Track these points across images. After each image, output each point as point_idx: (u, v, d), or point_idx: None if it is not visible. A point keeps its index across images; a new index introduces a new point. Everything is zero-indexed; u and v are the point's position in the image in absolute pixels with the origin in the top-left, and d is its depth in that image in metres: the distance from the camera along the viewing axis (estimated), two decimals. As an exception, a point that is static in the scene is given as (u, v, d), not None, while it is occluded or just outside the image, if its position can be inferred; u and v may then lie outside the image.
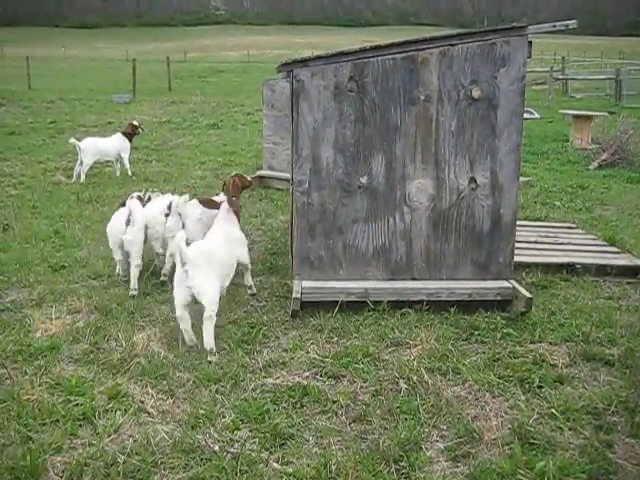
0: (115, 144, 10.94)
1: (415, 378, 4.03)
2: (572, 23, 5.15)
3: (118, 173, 11.09)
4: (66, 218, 8.14)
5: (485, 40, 4.99)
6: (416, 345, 4.54)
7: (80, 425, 3.67)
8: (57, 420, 3.69)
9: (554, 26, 5.16)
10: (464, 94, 5.03)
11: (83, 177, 10.52)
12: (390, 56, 4.95)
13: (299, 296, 4.99)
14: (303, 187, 5.10)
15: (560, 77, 29.91)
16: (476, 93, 5.02)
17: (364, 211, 5.16)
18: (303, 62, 4.96)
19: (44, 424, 3.66)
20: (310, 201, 5.13)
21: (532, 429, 3.57)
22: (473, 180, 5.15)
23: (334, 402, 3.86)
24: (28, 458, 3.30)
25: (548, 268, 6.17)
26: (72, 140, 10.71)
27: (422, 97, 5.02)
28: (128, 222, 5.75)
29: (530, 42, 5.05)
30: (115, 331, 4.76)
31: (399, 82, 4.99)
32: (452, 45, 4.97)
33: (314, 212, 5.15)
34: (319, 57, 4.99)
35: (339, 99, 4.99)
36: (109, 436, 3.55)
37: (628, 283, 6.02)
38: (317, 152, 5.06)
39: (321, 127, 5.02)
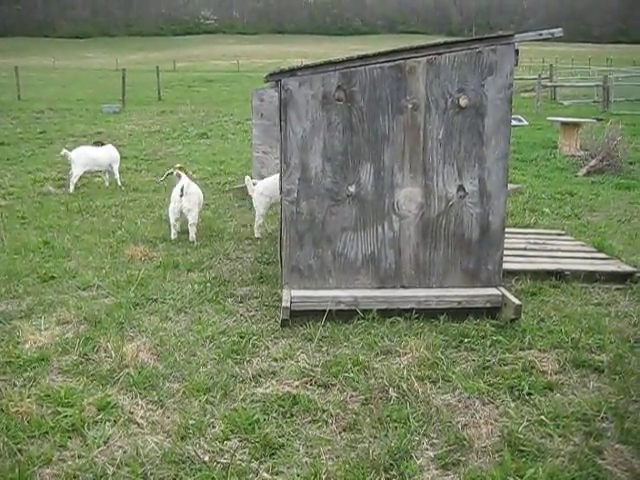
0: (107, 154, 10.91)
1: (405, 386, 4.03)
2: (558, 31, 5.18)
3: (107, 184, 11.06)
4: (55, 228, 8.10)
5: (472, 48, 5.01)
6: (406, 353, 4.53)
7: (69, 437, 3.64)
8: (46, 432, 3.66)
9: (540, 34, 5.19)
10: (452, 102, 5.05)
11: (72, 188, 10.47)
12: (378, 65, 4.97)
13: (288, 305, 4.98)
14: (292, 196, 5.11)
15: (548, 84, 30.05)
16: (463, 101, 5.04)
17: (353, 220, 5.16)
18: (291, 71, 4.97)
19: (33, 436, 3.62)
20: (299, 210, 5.13)
21: (522, 436, 3.58)
22: (461, 188, 5.17)
23: (324, 411, 3.85)
24: (17, 471, 3.27)
25: (537, 275, 6.19)
26: (64, 152, 10.66)
27: (410, 106, 5.04)
28: (182, 193, 7.53)
29: (517, 50, 5.08)
30: (104, 342, 4.73)
31: (387, 91, 5.01)
32: (439, 54, 4.99)
33: (303, 221, 5.15)
34: (307, 66, 5.00)
35: (327, 108, 5.00)
36: (98, 447, 3.52)
37: (617, 289, 6.04)
38: (306, 161, 5.06)
39: (309, 136, 5.03)
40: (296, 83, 4.95)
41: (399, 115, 5.04)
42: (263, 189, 7.74)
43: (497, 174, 5.17)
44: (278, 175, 7.72)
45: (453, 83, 5.03)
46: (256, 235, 7.78)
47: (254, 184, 8.00)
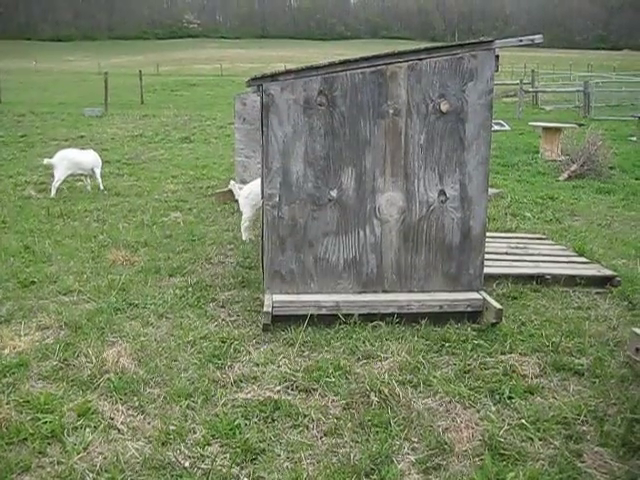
0: (89, 158, 10.84)
1: (386, 391, 4.03)
2: (538, 38, 5.22)
3: (89, 188, 10.99)
4: (36, 233, 8.04)
5: (453, 54, 5.04)
6: (387, 358, 4.54)
7: (49, 443, 3.61)
8: (25, 438, 3.63)
9: (520, 40, 5.23)
10: (433, 108, 5.08)
11: (54, 192, 10.37)
12: (359, 70, 4.98)
13: (270, 310, 4.97)
14: (273, 201, 5.10)
15: (530, 89, 30.26)
16: (444, 107, 5.07)
17: (334, 224, 5.17)
18: (273, 76, 4.97)
19: (11, 443, 3.59)
20: (280, 215, 5.13)
21: (503, 440, 3.59)
22: (442, 193, 5.19)
23: (305, 416, 3.85)
24: (-6, 478, 3.26)
25: (518, 279, 6.23)
26: (46, 161, 10.55)
27: (391, 111, 5.05)
28: None
29: (497, 56, 5.12)
30: (85, 347, 4.70)
31: (368, 96, 5.02)
32: (420, 59, 5.01)
33: (285, 226, 5.15)
34: (289, 71, 5.00)
35: (309, 113, 5.01)
36: (78, 454, 3.50)
37: (597, 293, 6.09)
38: (287, 166, 5.06)
39: (291, 141, 5.03)
40: (278, 88, 4.95)
41: (380, 120, 5.06)
42: (249, 192, 7.75)
43: (478, 179, 5.20)
44: None
45: (434, 88, 5.05)
46: (243, 238, 7.78)
47: (240, 188, 8.00)
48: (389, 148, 5.09)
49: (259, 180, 7.78)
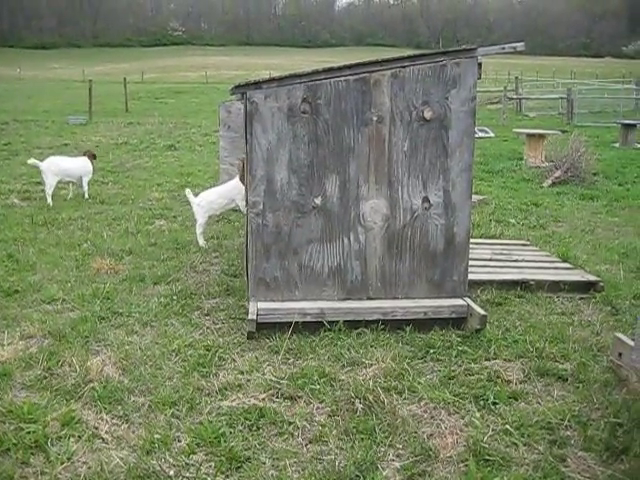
0: (79, 166, 10.79)
1: (371, 398, 4.03)
2: (520, 45, 5.26)
3: (71, 195, 10.92)
4: (20, 241, 7.98)
5: (436, 62, 5.07)
6: (372, 365, 4.54)
7: (32, 453, 3.58)
8: (8, 449, 3.59)
9: (503, 48, 5.27)
10: (416, 115, 5.10)
11: (50, 199, 10.28)
12: (343, 78, 5.00)
13: (255, 317, 4.97)
14: (257, 208, 5.11)
15: (514, 97, 30.46)
16: (428, 114, 5.09)
17: (319, 232, 5.18)
18: (256, 84, 4.98)
19: (-6, 453, 3.58)
20: (265, 222, 5.13)
21: (487, 446, 3.60)
22: (426, 200, 5.21)
23: (290, 424, 3.84)
24: (-23, 489, 3.23)
25: (502, 285, 6.26)
26: (31, 160, 10.50)
27: (375, 118, 5.07)
28: None
29: (480, 64, 5.15)
30: (69, 356, 4.67)
31: (352, 103, 5.04)
32: (404, 67, 5.04)
33: (269, 233, 5.15)
34: (272, 79, 5.01)
35: (293, 121, 5.02)
36: (62, 464, 3.47)
37: (581, 298, 6.13)
38: (271, 173, 5.07)
39: (275, 149, 5.04)
40: (262, 96, 4.96)
41: (364, 127, 5.08)
42: (201, 200, 8.00)
43: (461, 186, 5.22)
44: (218, 188, 8.30)
45: (417, 96, 5.08)
46: (200, 244, 7.91)
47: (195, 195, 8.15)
48: (373, 155, 5.11)
49: (213, 189, 8.24)
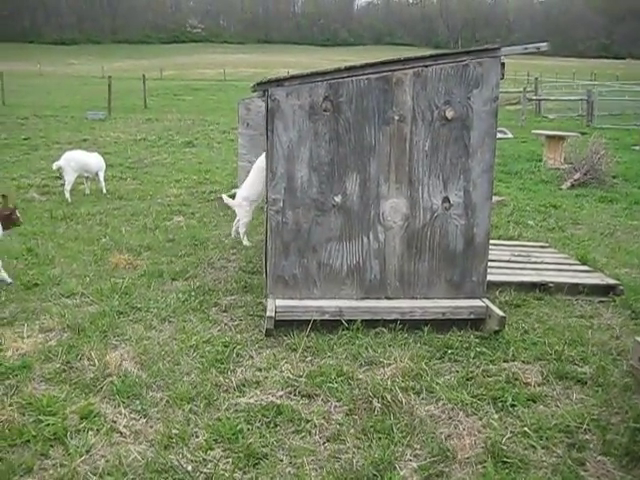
0: (95, 161, 10.84)
1: (389, 397, 4.03)
2: (543, 45, 5.22)
3: (88, 191, 10.98)
4: (39, 235, 8.04)
5: (458, 61, 5.05)
6: (390, 364, 4.53)
7: (51, 445, 3.61)
8: (27, 440, 3.63)
9: (526, 48, 5.24)
10: (438, 114, 5.08)
11: (68, 195, 10.32)
12: (365, 76, 4.99)
13: (273, 315, 4.97)
14: (277, 206, 5.11)
15: (533, 97, 30.27)
16: (450, 114, 5.07)
17: (338, 230, 5.17)
18: (278, 82, 4.98)
19: (14, 445, 3.60)
20: (284, 220, 5.13)
21: (505, 447, 3.59)
22: (447, 200, 5.19)
23: (308, 421, 3.85)
24: (-3, 480, 3.26)
25: (521, 287, 6.23)
26: (55, 165, 10.46)
27: (396, 117, 5.06)
28: None
29: (503, 63, 5.13)
30: (88, 350, 4.71)
31: (373, 102, 5.03)
32: (426, 66, 5.02)
33: (288, 231, 5.15)
34: (294, 77, 5.01)
35: (314, 118, 5.02)
36: (81, 457, 3.50)
37: (600, 302, 6.09)
38: (292, 171, 5.07)
39: (296, 146, 5.04)
40: (283, 93, 4.96)
41: (385, 126, 5.07)
42: (240, 198, 8.00)
43: (482, 186, 5.20)
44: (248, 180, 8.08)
45: (440, 95, 5.06)
46: (245, 243, 7.89)
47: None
48: (394, 154, 5.10)
49: (244, 184, 8.07)
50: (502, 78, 5.16)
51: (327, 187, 5.10)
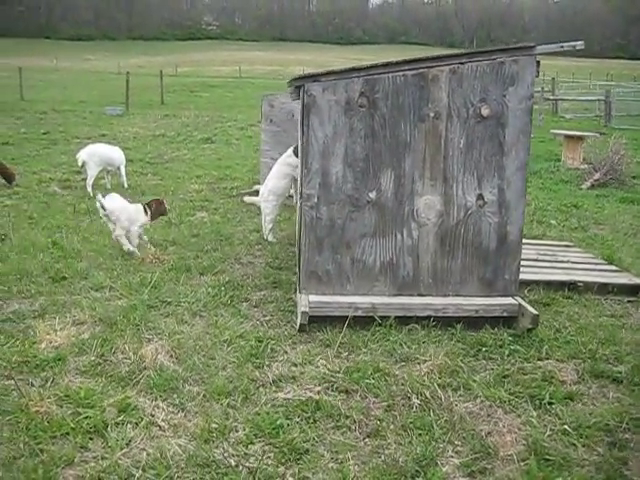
0: (118, 154, 10.89)
1: (428, 393, 4.02)
2: (579, 44, 5.20)
3: (109, 185, 11.02)
4: (64, 229, 8.07)
5: (494, 59, 5.03)
6: (426, 361, 4.52)
7: (91, 438, 3.62)
8: (67, 433, 3.64)
9: (562, 47, 5.21)
10: (473, 112, 5.06)
11: (90, 189, 10.35)
12: (401, 73, 4.98)
13: (307, 310, 4.96)
14: (312, 201, 5.11)
15: (551, 97, 30.16)
16: (485, 111, 5.06)
17: (372, 226, 5.17)
18: (314, 77, 4.98)
19: (54, 437, 3.61)
20: (319, 215, 5.13)
21: (547, 445, 3.58)
22: (481, 197, 5.18)
23: (347, 417, 3.84)
24: (40, 471, 3.26)
25: (549, 286, 6.20)
26: (80, 161, 10.49)
27: (432, 114, 5.05)
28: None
29: (538, 62, 5.11)
30: (122, 343, 4.71)
31: (409, 99, 5.02)
32: (462, 63, 5.00)
33: (322, 226, 5.15)
34: (331, 72, 5.00)
35: (350, 114, 5.01)
36: (121, 449, 3.50)
37: (629, 301, 6.05)
38: (327, 167, 5.06)
39: (331, 142, 5.03)
40: (319, 89, 4.96)
41: (421, 123, 5.05)
42: (264, 194, 7.98)
43: (516, 184, 5.18)
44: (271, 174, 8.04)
45: (475, 93, 5.04)
46: (270, 239, 7.89)
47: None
48: (429, 151, 5.08)
49: (267, 180, 8.05)
50: (537, 76, 5.15)
51: (362, 183, 5.10)
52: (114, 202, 7.20)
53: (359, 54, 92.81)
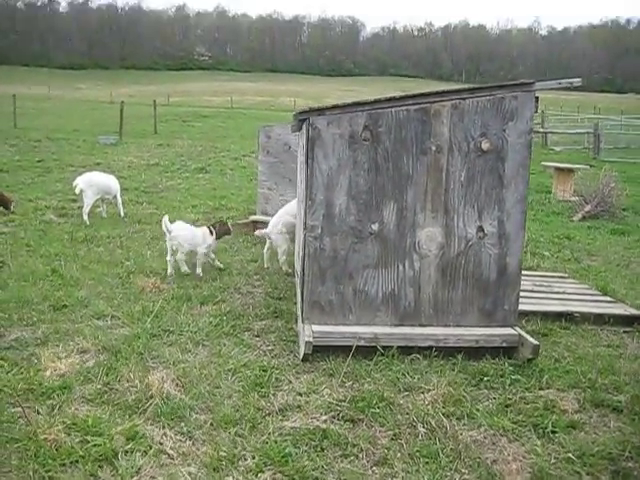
0: (115, 182, 10.93)
1: (433, 422, 4.08)
2: (577, 81, 5.35)
3: (104, 214, 11.05)
4: (62, 257, 8.10)
5: (495, 95, 5.16)
6: (429, 390, 4.58)
7: (100, 466, 3.64)
8: (77, 461, 3.66)
9: (559, 83, 5.36)
10: (474, 146, 5.18)
11: (86, 217, 10.40)
12: (404, 107, 5.10)
13: (311, 340, 5.02)
14: (316, 232, 5.19)
15: (540, 130, 30.53)
16: (485, 145, 5.17)
17: (375, 257, 5.25)
18: (319, 110, 5.09)
19: (64, 464, 3.63)
20: (322, 246, 5.21)
21: (552, 473, 3.63)
22: (481, 229, 5.27)
23: (354, 446, 3.88)
24: (51, 498, 3.29)
25: (546, 316, 6.29)
26: (78, 189, 10.51)
27: (433, 148, 5.16)
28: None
29: (537, 97, 5.24)
30: (127, 372, 4.74)
31: (412, 133, 5.13)
32: (463, 99, 5.13)
33: (326, 257, 5.22)
34: (335, 106, 5.12)
35: (354, 147, 5.12)
36: (131, 477, 3.53)
37: (625, 332, 6.14)
38: (330, 198, 5.16)
39: (335, 174, 5.13)
40: (324, 122, 5.07)
41: (423, 156, 5.16)
42: (276, 227, 8.00)
43: (516, 216, 5.29)
44: (282, 210, 8.20)
45: (476, 127, 5.16)
46: (284, 269, 7.93)
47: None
48: (430, 184, 5.19)
49: (278, 214, 8.17)
50: (536, 112, 5.28)
51: (365, 215, 5.19)
52: (180, 229, 7.65)
53: (350, 85, 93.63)
